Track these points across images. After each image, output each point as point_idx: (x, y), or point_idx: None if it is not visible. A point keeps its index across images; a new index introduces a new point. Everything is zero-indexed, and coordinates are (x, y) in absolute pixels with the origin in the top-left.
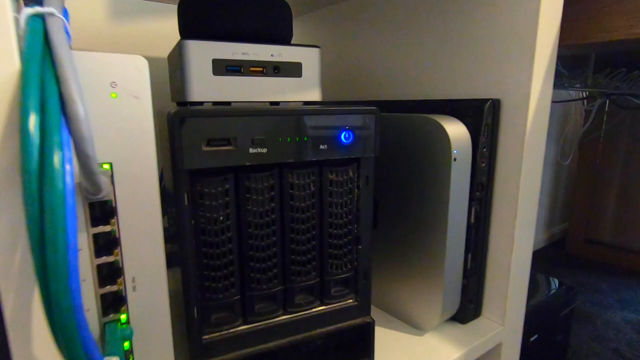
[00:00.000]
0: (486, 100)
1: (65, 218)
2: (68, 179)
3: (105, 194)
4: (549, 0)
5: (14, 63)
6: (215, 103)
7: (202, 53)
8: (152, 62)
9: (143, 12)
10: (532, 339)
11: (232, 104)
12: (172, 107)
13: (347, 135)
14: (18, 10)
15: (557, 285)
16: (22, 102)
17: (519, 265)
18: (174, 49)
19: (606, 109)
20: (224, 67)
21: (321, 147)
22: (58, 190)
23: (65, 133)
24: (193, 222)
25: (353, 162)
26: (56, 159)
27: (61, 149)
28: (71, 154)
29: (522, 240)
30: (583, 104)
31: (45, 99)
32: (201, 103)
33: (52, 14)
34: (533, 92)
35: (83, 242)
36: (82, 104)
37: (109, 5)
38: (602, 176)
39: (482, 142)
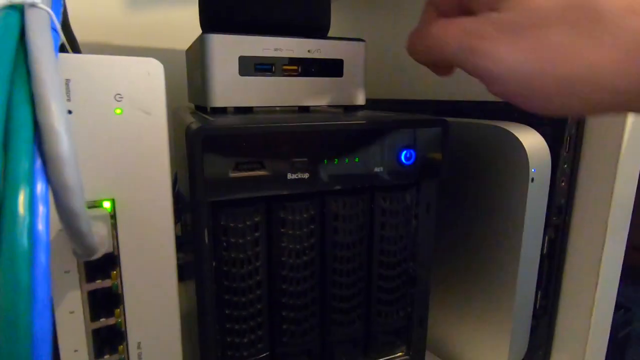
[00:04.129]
0: None
1: (32, 291)
2: (40, 226)
3: (102, 253)
4: None
5: None
6: (239, 108)
7: (228, 49)
8: (172, 54)
9: (161, 2)
10: None
11: (257, 108)
12: (190, 113)
13: (408, 155)
14: None
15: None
16: None
17: (603, 307)
18: (193, 44)
19: None
20: (252, 66)
21: (376, 170)
22: (20, 248)
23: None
24: (214, 264)
25: (411, 186)
26: (21, 198)
27: (30, 182)
28: (47, 191)
29: (610, 276)
30: None
31: (11, 126)
32: (225, 109)
33: (33, 5)
34: None
35: (76, 303)
36: (67, 136)
37: None
38: None
39: (564, 157)
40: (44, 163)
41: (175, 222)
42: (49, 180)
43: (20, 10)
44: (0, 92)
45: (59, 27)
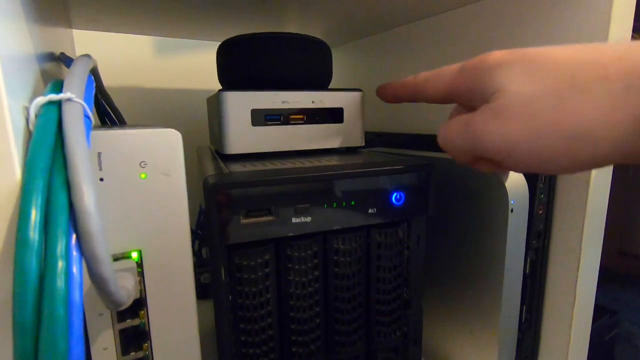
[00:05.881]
0: None
1: (68, 354)
2: (76, 294)
3: (129, 304)
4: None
5: (13, 173)
6: (252, 154)
7: (241, 104)
8: (194, 94)
9: (185, 48)
10: None
11: (269, 153)
12: (208, 159)
13: (398, 197)
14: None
15: (598, 309)
16: (21, 211)
17: (582, 318)
18: (212, 97)
19: None
20: (263, 117)
21: (370, 211)
22: (58, 317)
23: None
24: (230, 297)
25: (403, 222)
26: (59, 271)
27: (66, 258)
28: (81, 261)
29: (586, 290)
30: None
31: (51, 209)
32: (239, 155)
33: (69, 100)
34: None
35: (109, 340)
36: (97, 215)
37: (153, 43)
38: (636, 184)
39: (540, 188)
40: (78, 238)
41: (202, 247)
42: (82, 252)
43: (58, 104)
44: (42, 178)
45: (91, 115)
